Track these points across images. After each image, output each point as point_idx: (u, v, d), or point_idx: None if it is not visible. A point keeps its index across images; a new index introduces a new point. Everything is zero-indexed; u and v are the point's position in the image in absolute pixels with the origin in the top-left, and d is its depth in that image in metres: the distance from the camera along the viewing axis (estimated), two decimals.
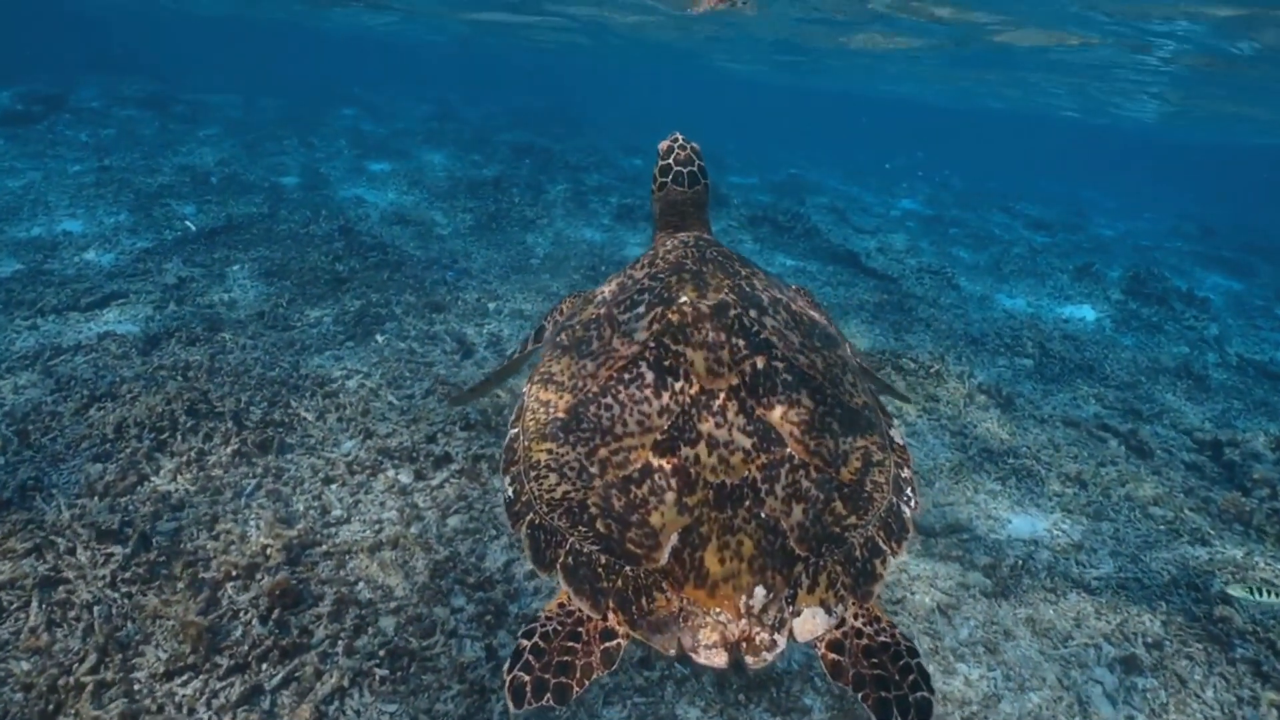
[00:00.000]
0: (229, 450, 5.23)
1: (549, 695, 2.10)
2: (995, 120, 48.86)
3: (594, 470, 2.42)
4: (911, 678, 2.18)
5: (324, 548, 4.55)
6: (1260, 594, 4.57)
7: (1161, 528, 6.13)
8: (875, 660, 2.22)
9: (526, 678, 2.14)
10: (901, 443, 2.83)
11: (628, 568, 2.26)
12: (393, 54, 51.01)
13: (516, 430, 2.73)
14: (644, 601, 2.21)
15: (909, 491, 2.66)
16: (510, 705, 2.09)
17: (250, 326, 7.69)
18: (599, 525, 2.33)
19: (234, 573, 4.16)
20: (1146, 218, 26.99)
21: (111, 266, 9.10)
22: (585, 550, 2.31)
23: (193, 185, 13.18)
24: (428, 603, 4.27)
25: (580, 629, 2.24)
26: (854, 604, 2.32)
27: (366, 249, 10.43)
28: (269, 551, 4.36)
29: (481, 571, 4.55)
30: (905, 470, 2.72)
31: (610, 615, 2.22)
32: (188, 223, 11.15)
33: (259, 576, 4.18)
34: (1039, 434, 7.44)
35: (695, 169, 3.51)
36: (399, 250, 10.69)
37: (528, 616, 4.33)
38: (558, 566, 2.32)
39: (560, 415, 2.60)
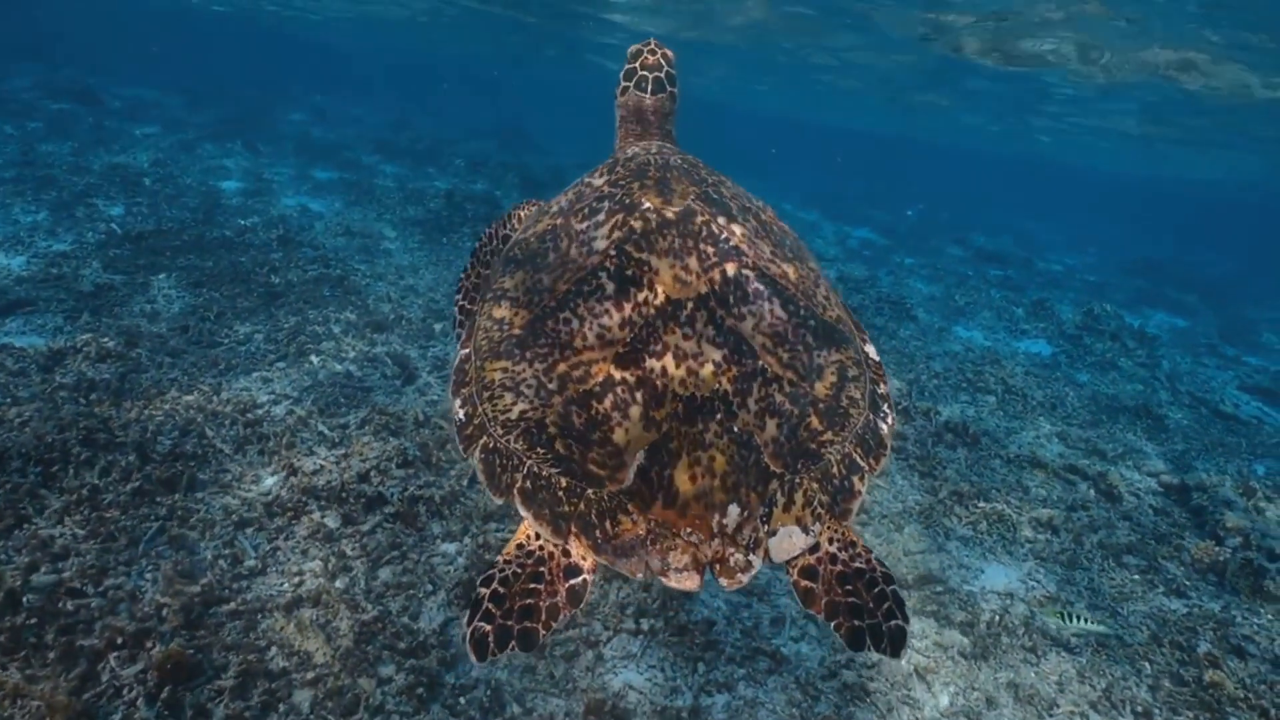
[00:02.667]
0: (129, 488, 4.60)
1: (514, 643, 1.97)
2: (944, 153, 49.99)
3: (552, 387, 2.25)
4: (886, 605, 2.09)
5: (232, 605, 3.97)
6: (1071, 620, 4.69)
7: (1136, 577, 5.90)
8: (849, 587, 2.13)
9: (488, 627, 1.98)
10: (877, 359, 2.69)
11: (590, 490, 2.10)
12: (349, 61, 50.01)
13: (467, 351, 2.53)
14: (608, 525, 2.07)
15: (885, 408, 2.53)
16: (473, 658, 1.92)
17: (171, 342, 7.03)
18: (558, 446, 2.16)
19: (119, 640, 3.56)
20: (1092, 252, 27.60)
21: (21, 270, 8.31)
22: (544, 474, 2.15)
23: (123, 186, 12.34)
24: (351, 672, 3.73)
25: (542, 569, 2.11)
26: (831, 524, 2.21)
27: (306, 261, 9.79)
28: (165, 612, 3.77)
29: (415, 634, 4.03)
30: (882, 386, 2.61)
31: (572, 541, 2.09)
32: (113, 225, 10.38)
33: (149, 644, 3.59)
34: (1007, 475, 7.20)
35: (663, 75, 3.32)
36: (342, 264, 10.06)
37: (465, 688, 3.83)
38: (515, 492, 2.16)
39: (515, 332, 2.41)
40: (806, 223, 21.67)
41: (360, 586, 4.27)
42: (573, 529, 2.09)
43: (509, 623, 1.99)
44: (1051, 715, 4.36)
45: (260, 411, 5.87)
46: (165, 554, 4.21)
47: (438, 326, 8.49)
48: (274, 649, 3.78)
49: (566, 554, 2.12)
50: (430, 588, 4.37)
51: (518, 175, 18.06)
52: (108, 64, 26.66)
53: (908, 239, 21.88)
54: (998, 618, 5.16)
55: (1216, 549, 6.12)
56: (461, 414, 2.39)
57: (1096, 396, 10.24)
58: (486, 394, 2.34)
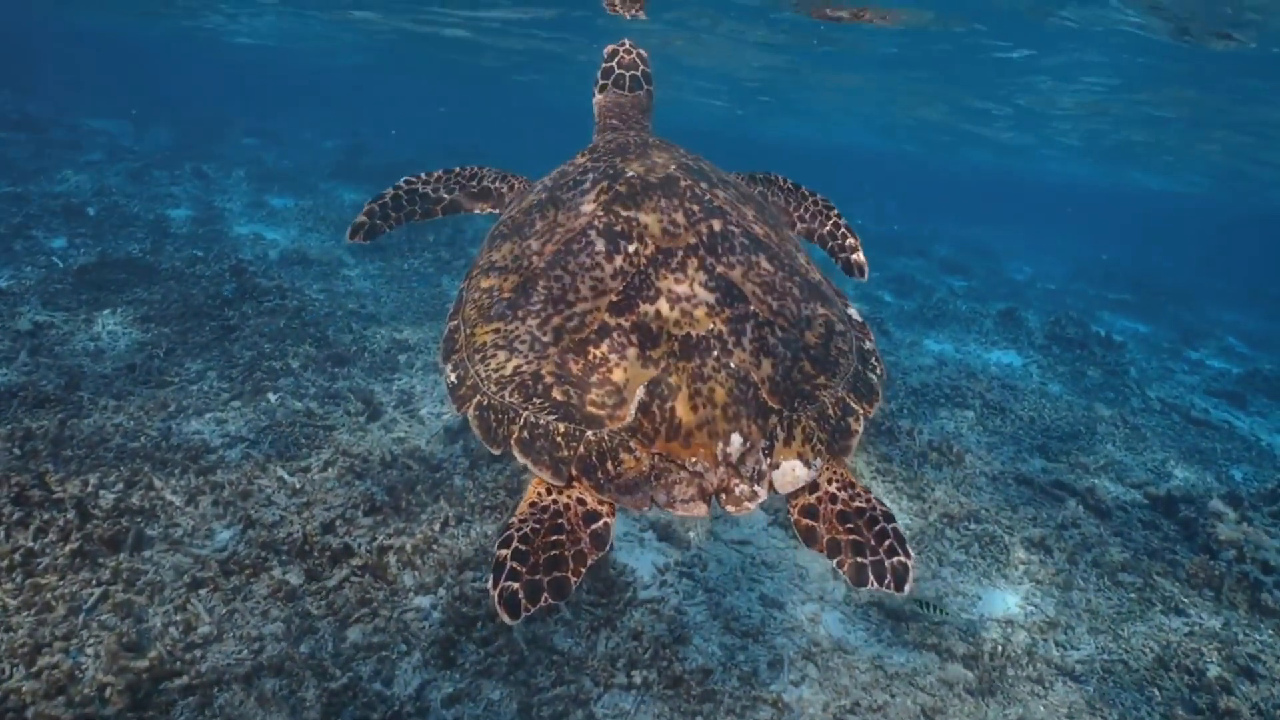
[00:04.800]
0: (67, 549, 4.19)
1: (545, 595, 1.93)
2: (894, 161, 50.69)
3: (547, 340, 2.27)
4: (888, 543, 2.12)
5: (185, 680, 3.59)
6: (929, 610, 4.85)
7: (1133, 595, 5.77)
8: (850, 525, 2.17)
9: (515, 585, 1.92)
10: (860, 320, 2.76)
11: (590, 432, 2.12)
12: (300, 79, 49.26)
13: (455, 322, 2.55)
14: (610, 465, 2.08)
15: (873, 360, 2.60)
16: (505, 618, 1.88)
17: (116, 383, 6.59)
18: (555, 394, 2.18)
19: None
20: (1049, 260, 28.05)
21: None
22: (541, 421, 2.16)
23: (65, 217, 11.80)
24: None
25: (561, 520, 2.09)
26: (831, 461, 2.26)
27: (262, 292, 9.35)
28: (108, 693, 3.39)
29: (389, 702, 3.69)
30: (867, 343, 2.67)
31: (576, 484, 2.11)
32: (54, 258, 9.87)
33: None
34: (994, 494, 7.06)
35: (639, 73, 3.47)
36: (299, 294, 9.64)
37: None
38: (512, 442, 2.16)
39: (506, 296, 2.43)
40: None
41: (327, 650, 3.92)
42: (574, 471, 2.10)
43: (537, 576, 1.95)
44: None
45: (214, 457, 5.48)
46: (109, 624, 3.82)
47: (402, 358, 8.14)
48: None
49: (582, 502, 2.12)
50: (404, 647, 4.03)
51: None
52: (46, 90, 25.81)
53: (869, 252, 21.94)
54: (1000, 648, 4.97)
55: (1211, 563, 6.03)
56: (454, 377, 2.39)
57: (1072, 406, 10.22)
58: (478, 356, 2.34)
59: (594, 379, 2.17)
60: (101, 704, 3.34)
